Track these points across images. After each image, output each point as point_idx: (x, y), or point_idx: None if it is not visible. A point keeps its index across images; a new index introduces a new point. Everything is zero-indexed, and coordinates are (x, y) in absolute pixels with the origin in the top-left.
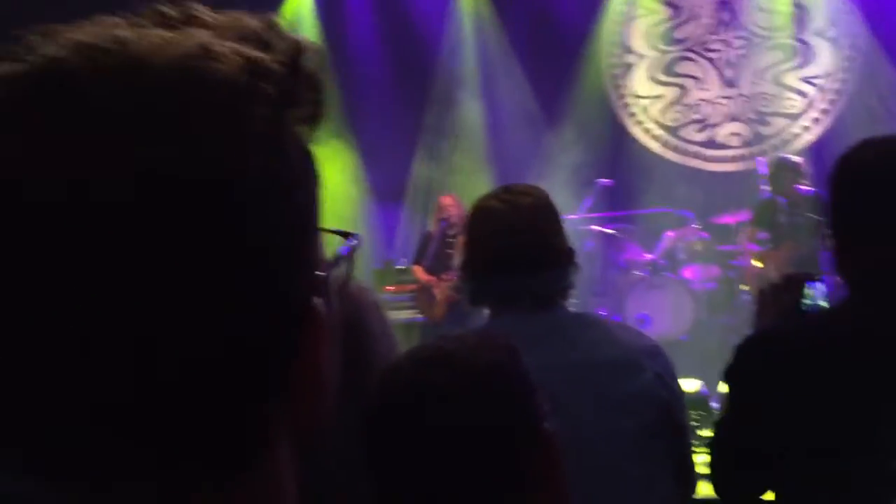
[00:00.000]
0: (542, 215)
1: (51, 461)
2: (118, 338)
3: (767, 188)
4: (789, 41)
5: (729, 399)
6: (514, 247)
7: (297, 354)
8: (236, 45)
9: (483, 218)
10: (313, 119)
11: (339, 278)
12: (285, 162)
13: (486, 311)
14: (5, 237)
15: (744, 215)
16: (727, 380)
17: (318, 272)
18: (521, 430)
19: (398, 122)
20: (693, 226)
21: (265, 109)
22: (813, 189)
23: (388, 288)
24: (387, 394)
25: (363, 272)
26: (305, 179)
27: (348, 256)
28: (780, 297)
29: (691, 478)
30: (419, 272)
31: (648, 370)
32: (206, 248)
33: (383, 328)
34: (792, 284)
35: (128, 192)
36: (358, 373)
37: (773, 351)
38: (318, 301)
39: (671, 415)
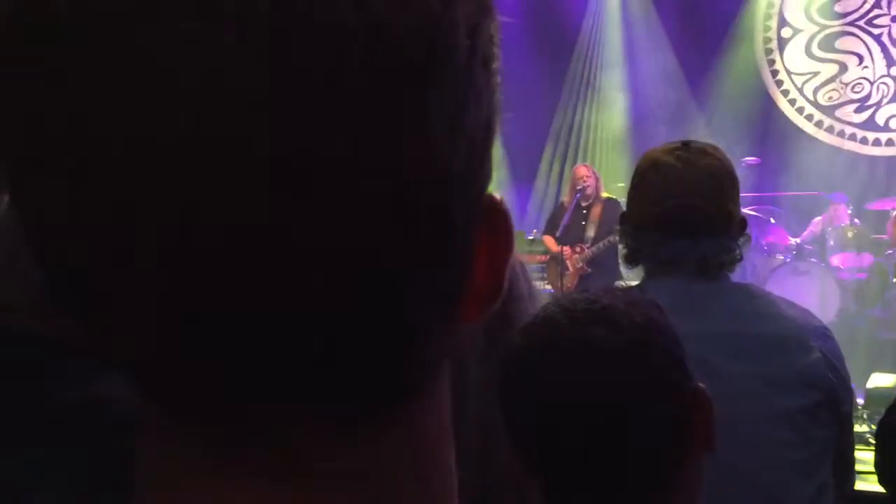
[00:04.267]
0: (719, 179)
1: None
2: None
3: None
4: None
5: None
6: (684, 209)
7: (475, 252)
8: None
9: (655, 173)
10: None
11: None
12: (486, 26)
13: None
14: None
15: None
16: None
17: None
18: (683, 388)
19: (537, 90)
20: (846, 211)
21: None
22: None
23: (518, 258)
24: (540, 349)
25: None
26: (495, 52)
27: None
28: None
29: (851, 472)
30: (550, 243)
31: (816, 350)
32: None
33: (530, 290)
34: None
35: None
36: (508, 335)
37: None
38: (500, 198)
39: (836, 401)
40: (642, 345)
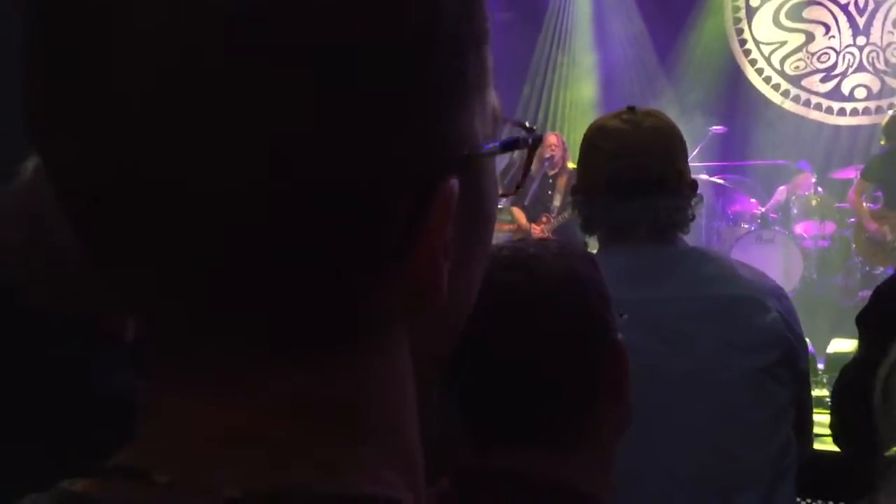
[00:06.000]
0: (666, 139)
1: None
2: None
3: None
4: None
5: (861, 343)
6: (634, 170)
7: (413, 234)
8: None
9: (601, 138)
10: None
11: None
12: None
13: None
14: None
15: None
16: (861, 322)
17: (466, 149)
18: (595, 340)
19: (505, 59)
20: (810, 180)
21: None
22: None
23: None
24: None
25: None
26: (464, 24)
27: (520, 146)
28: None
29: (810, 431)
30: (518, 214)
31: (773, 310)
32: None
33: None
34: None
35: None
36: None
37: None
38: (452, 182)
39: (794, 359)
40: (555, 293)
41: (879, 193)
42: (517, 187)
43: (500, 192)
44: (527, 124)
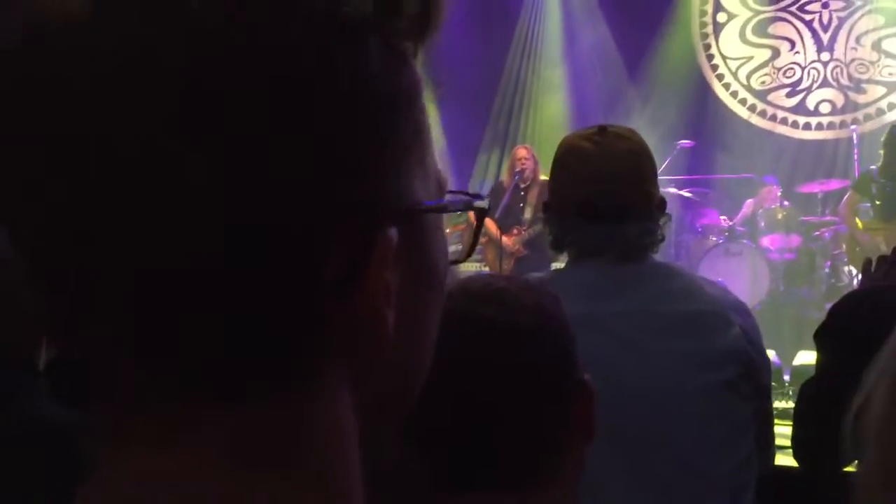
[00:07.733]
0: (637, 162)
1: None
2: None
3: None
4: (892, 5)
5: (819, 360)
6: (604, 195)
7: (355, 286)
8: None
9: (572, 160)
10: (420, 26)
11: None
12: (362, 53)
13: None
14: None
15: (832, 185)
16: (819, 339)
17: (405, 204)
18: (564, 377)
19: (476, 72)
20: (777, 193)
21: None
22: None
23: (450, 231)
24: None
25: None
26: (391, 83)
27: (462, 208)
28: (891, 269)
29: (772, 445)
30: (490, 224)
31: (736, 326)
32: (251, 131)
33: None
34: None
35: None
36: None
37: (870, 309)
38: (391, 231)
39: (756, 374)
40: (526, 327)
41: (867, 206)
42: (467, 255)
43: (450, 259)
44: (472, 193)
